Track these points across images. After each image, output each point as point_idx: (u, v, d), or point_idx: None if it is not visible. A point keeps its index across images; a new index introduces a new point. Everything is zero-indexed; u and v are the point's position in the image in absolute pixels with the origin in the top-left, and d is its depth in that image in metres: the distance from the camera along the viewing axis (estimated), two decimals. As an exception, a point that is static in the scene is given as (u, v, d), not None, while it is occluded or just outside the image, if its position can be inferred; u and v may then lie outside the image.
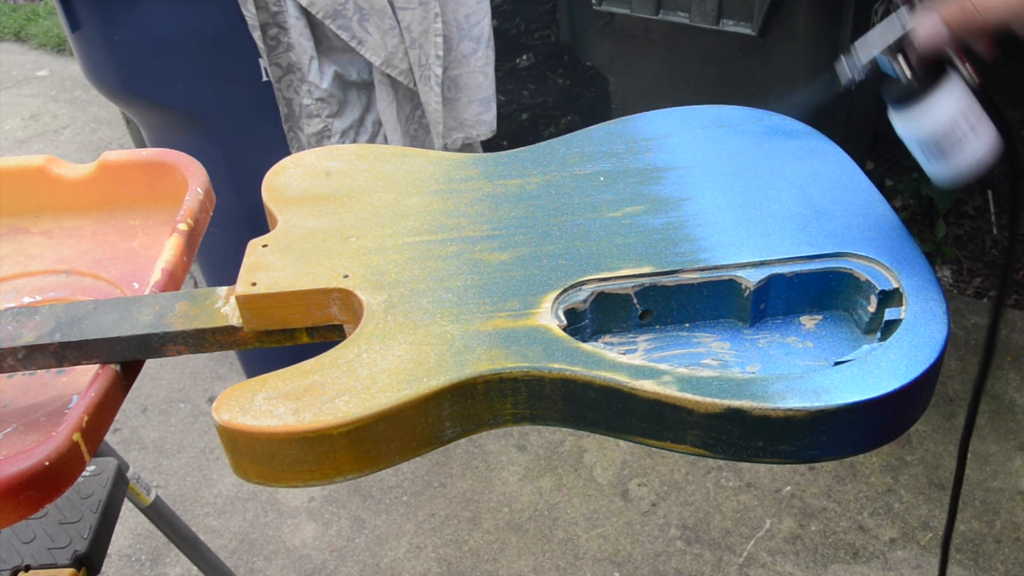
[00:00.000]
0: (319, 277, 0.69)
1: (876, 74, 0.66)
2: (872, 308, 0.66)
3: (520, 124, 3.25)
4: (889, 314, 0.64)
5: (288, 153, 1.43)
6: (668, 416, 0.59)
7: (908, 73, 0.63)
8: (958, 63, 0.62)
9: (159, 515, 1.38)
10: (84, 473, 1.10)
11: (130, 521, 1.97)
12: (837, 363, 0.61)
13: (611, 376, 0.59)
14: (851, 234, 0.70)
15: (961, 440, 0.85)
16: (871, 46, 0.64)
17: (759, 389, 0.58)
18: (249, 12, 1.61)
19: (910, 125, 0.64)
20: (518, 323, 0.63)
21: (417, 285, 0.67)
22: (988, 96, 0.63)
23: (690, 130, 0.84)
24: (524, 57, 3.57)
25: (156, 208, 0.94)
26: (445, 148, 1.90)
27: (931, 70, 0.62)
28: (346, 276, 0.68)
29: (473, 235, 0.72)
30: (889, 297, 0.65)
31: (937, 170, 0.65)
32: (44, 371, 0.77)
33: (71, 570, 1.04)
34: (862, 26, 1.87)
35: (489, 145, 2.00)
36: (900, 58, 0.63)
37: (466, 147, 1.96)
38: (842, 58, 0.65)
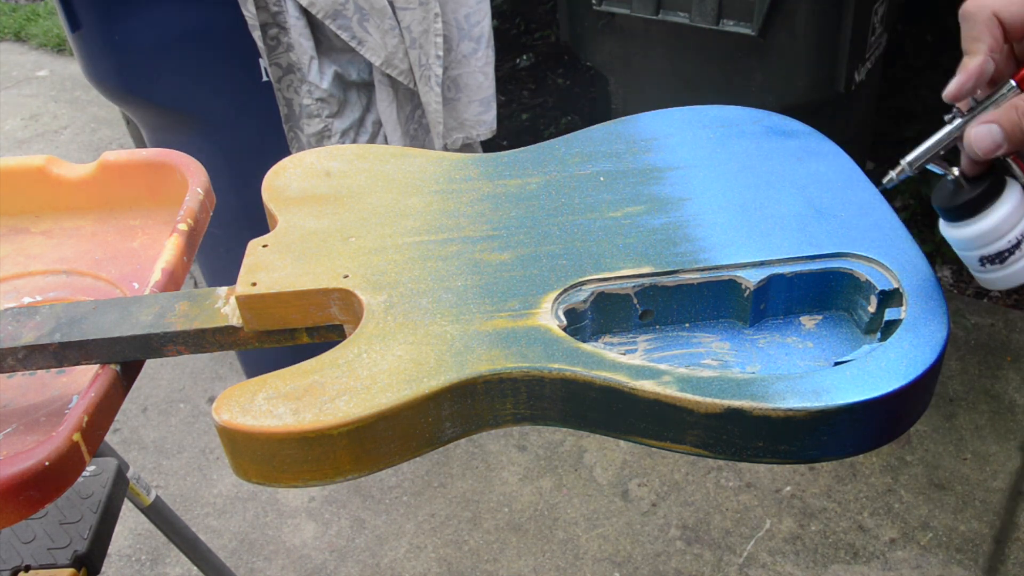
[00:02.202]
0: (319, 277, 0.69)
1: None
2: (872, 308, 0.66)
3: (520, 124, 3.25)
4: (889, 314, 0.64)
5: (288, 153, 1.43)
6: (668, 416, 0.59)
7: (962, 181, 0.62)
8: (1016, 169, 0.61)
9: (159, 515, 1.38)
10: (84, 473, 1.10)
11: (130, 521, 1.97)
12: (837, 363, 0.61)
13: (611, 376, 0.59)
14: (851, 234, 0.70)
15: None
16: (923, 156, 0.63)
17: (759, 389, 0.58)
18: (249, 12, 1.61)
19: (965, 233, 0.62)
20: (518, 323, 0.63)
21: (417, 285, 0.67)
22: None
23: (690, 130, 0.84)
24: (524, 57, 3.57)
25: (156, 208, 0.94)
26: (445, 148, 1.90)
27: (984, 177, 0.61)
28: (346, 276, 0.68)
29: (473, 235, 0.72)
30: (889, 297, 0.65)
31: (991, 276, 0.63)
32: (44, 371, 0.77)
33: (71, 570, 1.04)
34: (862, 26, 1.87)
35: (489, 145, 2.00)
36: (954, 168, 0.62)
37: (466, 147, 1.96)
38: (890, 172, 0.65)
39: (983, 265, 0.63)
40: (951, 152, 0.63)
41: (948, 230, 0.64)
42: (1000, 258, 0.62)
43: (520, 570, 1.85)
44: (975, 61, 0.59)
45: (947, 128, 0.62)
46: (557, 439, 2.12)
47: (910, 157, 0.64)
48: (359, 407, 0.57)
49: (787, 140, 0.81)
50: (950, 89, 0.60)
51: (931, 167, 0.63)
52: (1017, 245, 0.61)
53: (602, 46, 2.11)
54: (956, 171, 0.62)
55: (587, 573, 1.83)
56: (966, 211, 0.62)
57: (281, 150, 1.80)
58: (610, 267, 0.68)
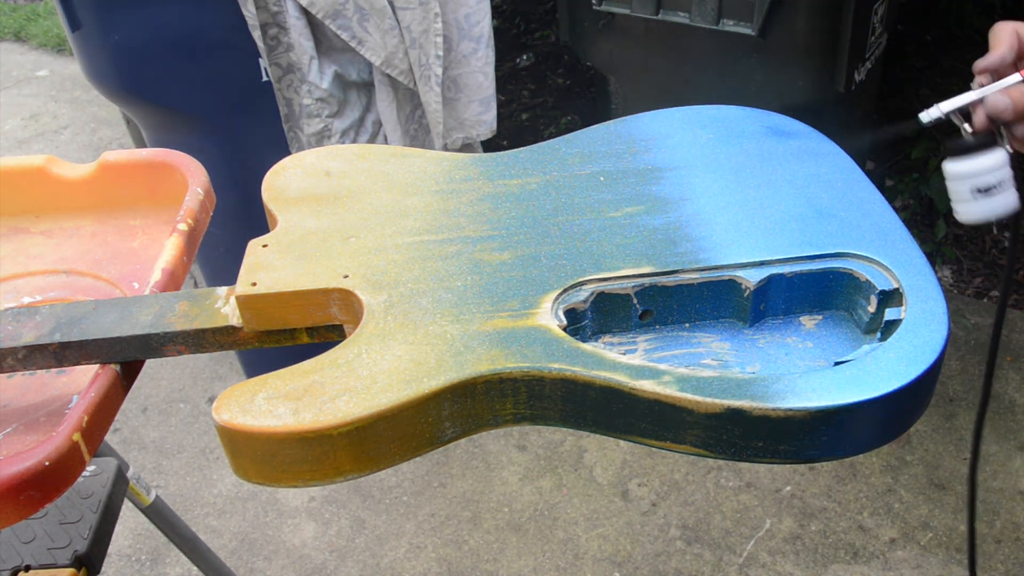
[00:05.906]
0: (319, 277, 0.69)
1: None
2: (872, 308, 0.66)
3: (520, 124, 3.25)
4: (889, 314, 0.64)
5: (288, 153, 1.43)
6: (668, 416, 0.59)
7: (970, 130, 0.86)
8: (1005, 137, 0.86)
9: (159, 515, 1.38)
10: (84, 473, 1.10)
11: (130, 521, 1.97)
12: (837, 363, 0.61)
13: (611, 376, 0.59)
14: (851, 234, 0.70)
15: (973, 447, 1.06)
16: (949, 105, 0.86)
17: (759, 389, 0.58)
18: (249, 12, 1.61)
19: (969, 165, 0.86)
20: (518, 323, 0.63)
21: (417, 285, 0.67)
22: (1018, 164, 0.87)
23: (690, 130, 0.84)
24: (524, 57, 3.57)
25: (156, 208, 0.94)
26: (445, 148, 1.90)
27: (986, 133, 0.85)
28: (346, 276, 0.68)
29: (473, 235, 0.72)
30: (889, 297, 0.65)
31: (974, 208, 0.87)
32: (44, 371, 0.77)
33: (71, 570, 1.04)
34: (862, 26, 1.87)
35: (489, 145, 2.00)
36: (965, 122, 0.86)
37: (466, 147, 1.96)
38: (927, 111, 0.87)
39: (974, 196, 0.87)
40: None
41: (955, 165, 0.87)
42: (987, 191, 0.86)
43: (520, 570, 1.85)
44: (999, 50, 0.84)
45: (973, 93, 0.85)
46: (557, 439, 2.12)
47: (945, 106, 0.86)
48: (359, 407, 0.57)
49: (787, 140, 0.81)
50: (979, 63, 0.84)
51: (953, 118, 0.85)
52: (999, 183, 0.86)
53: (602, 46, 2.11)
54: (968, 127, 0.86)
55: (587, 573, 1.83)
56: (973, 149, 0.86)
57: (281, 150, 1.80)
58: (610, 267, 0.68)
